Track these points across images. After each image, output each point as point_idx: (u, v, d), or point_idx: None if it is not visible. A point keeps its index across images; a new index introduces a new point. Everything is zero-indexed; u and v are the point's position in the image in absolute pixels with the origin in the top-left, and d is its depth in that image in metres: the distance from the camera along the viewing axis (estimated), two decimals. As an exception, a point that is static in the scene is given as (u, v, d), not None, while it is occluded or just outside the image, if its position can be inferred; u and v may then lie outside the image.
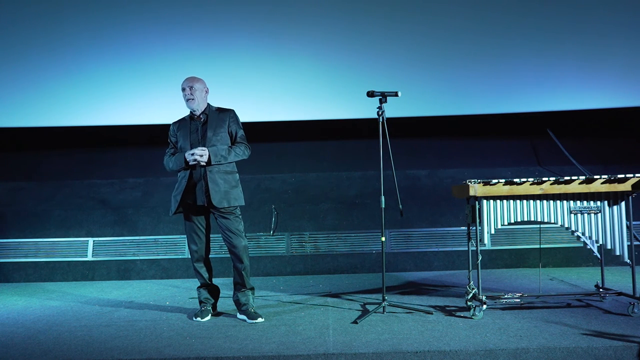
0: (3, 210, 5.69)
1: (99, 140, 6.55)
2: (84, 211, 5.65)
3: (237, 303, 3.59)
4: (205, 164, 3.45)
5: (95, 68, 6.22)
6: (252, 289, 3.65)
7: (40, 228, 5.51)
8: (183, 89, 3.57)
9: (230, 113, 3.63)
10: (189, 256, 3.76)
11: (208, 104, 3.65)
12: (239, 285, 3.59)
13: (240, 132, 3.63)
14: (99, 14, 6.19)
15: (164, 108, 6.13)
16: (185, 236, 5.26)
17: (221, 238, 3.64)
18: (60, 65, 6.24)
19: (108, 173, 6.24)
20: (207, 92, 3.64)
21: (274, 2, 6.18)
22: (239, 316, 3.56)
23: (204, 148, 3.44)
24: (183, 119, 3.68)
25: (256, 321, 3.43)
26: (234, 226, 3.54)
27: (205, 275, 3.66)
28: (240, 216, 3.61)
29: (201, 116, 3.59)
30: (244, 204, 3.61)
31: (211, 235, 3.70)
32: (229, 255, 3.68)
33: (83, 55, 6.22)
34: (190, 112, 3.62)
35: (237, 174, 3.63)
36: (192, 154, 3.42)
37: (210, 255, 3.73)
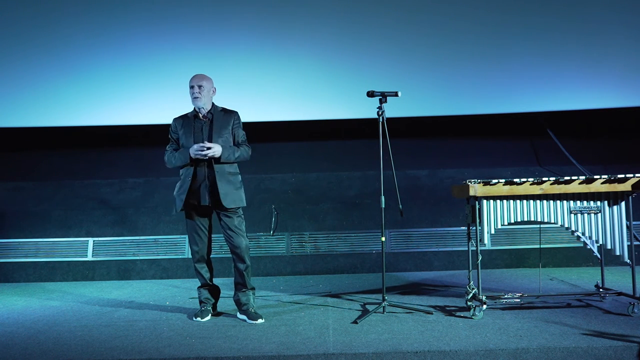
0: (3, 210, 5.69)
1: (99, 140, 6.55)
2: (84, 211, 5.65)
3: (238, 303, 3.59)
4: (213, 157, 3.43)
5: (95, 68, 6.22)
6: (253, 289, 3.65)
7: (40, 228, 5.51)
8: (191, 87, 3.53)
9: (234, 115, 3.63)
10: (190, 256, 3.76)
11: (213, 103, 3.64)
12: (240, 285, 3.59)
13: (243, 136, 3.65)
14: (99, 13, 6.19)
15: (164, 108, 6.12)
16: (185, 236, 5.28)
17: (220, 238, 3.64)
18: (60, 65, 6.23)
19: (108, 173, 6.23)
20: (214, 91, 3.63)
21: (274, 2, 6.18)
22: (239, 316, 3.56)
23: (216, 144, 3.43)
24: (186, 115, 3.64)
25: (256, 322, 3.43)
26: (237, 226, 3.55)
27: (207, 275, 3.66)
28: (243, 216, 3.62)
29: (207, 115, 3.58)
30: (246, 204, 3.63)
31: (212, 236, 3.70)
32: (228, 256, 3.69)
33: (83, 55, 6.22)
34: (195, 110, 3.60)
35: (240, 175, 3.64)
36: (202, 148, 3.38)
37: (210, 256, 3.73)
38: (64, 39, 6.21)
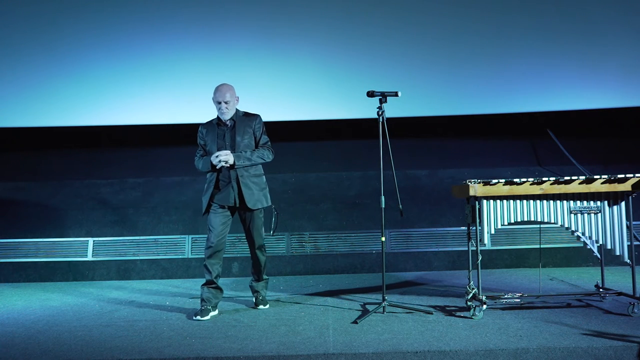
0: (3, 210, 5.68)
1: (99, 140, 6.55)
2: (84, 211, 5.65)
3: (253, 289, 3.93)
4: (230, 166, 3.63)
5: (95, 68, 6.22)
6: (267, 280, 3.99)
7: (40, 228, 5.51)
8: (218, 102, 3.66)
9: (256, 119, 3.81)
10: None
11: (236, 109, 3.78)
12: (258, 275, 3.92)
13: (265, 138, 3.84)
14: (99, 13, 6.19)
15: (164, 108, 6.13)
16: (185, 236, 5.30)
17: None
18: (60, 65, 6.23)
19: (108, 173, 6.23)
20: (237, 100, 3.77)
21: (275, 2, 6.18)
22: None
23: (227, 152, 3.62)
24: (210, 122, 3.81)
25: (258, 307, 3.82)
26: (260, 224, 3.82)
27: (215, 273, 3.72)
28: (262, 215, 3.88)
29: (228, 122, 3.73)
30: (270, 203, 3.87)
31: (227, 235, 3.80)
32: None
33: (83, 55, 6.22)
34: (218, 117, 3.75)
35: (264, 177, 3.85)
36: (217, 157, 3.59)
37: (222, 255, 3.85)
38: (64, 39, 6.21)
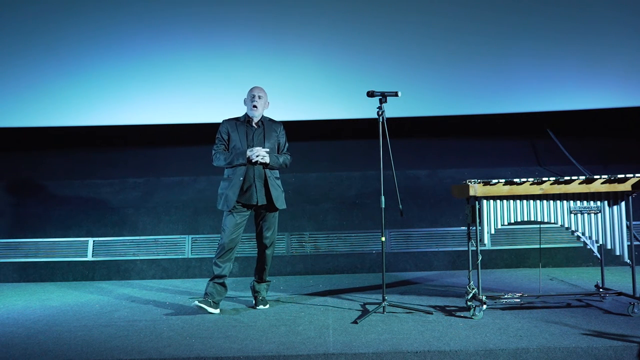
0: (3, 210, 5.69)
1: (99, 140, 6.55)
2: (84, 211, 5.65)
3: (254, 290, 3.92)
4: (264, 161, 3.70)
5: (95, 68, 6.22)
6: (269, 283, 4.01)
7: (40, 228, 5.51)
8: (252, 95, 3.82)
9: (280, 126, 3.96)
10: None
11: (262, 114, 3.90)
12: (261, 276, 3.93)
13: (287, 145, 3.98)
14: (99, 13, 6.19)
15: (164, 108, 6.12)
16: (185, 236, 5.30)
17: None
18: (60, 65, 6.23)
19: (108, 173, 6.23)
20: (267, 105, 3.91)
21: (275, 3, 6.18)
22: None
23: (266, 149, 3.72)
24: (237, 119, 3.88)
25: (258, 307, 3.82)
26: (276, 223, 3.90)
27: (224, 271, 3.76)
28: None
29: (259, 123, 3.84)
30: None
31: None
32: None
33: (83, 55, 6.22)
34: (247, 116, 3.85)
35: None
36: (254, 152, 3.67)
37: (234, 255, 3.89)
38: (64, 39, 6.21)
